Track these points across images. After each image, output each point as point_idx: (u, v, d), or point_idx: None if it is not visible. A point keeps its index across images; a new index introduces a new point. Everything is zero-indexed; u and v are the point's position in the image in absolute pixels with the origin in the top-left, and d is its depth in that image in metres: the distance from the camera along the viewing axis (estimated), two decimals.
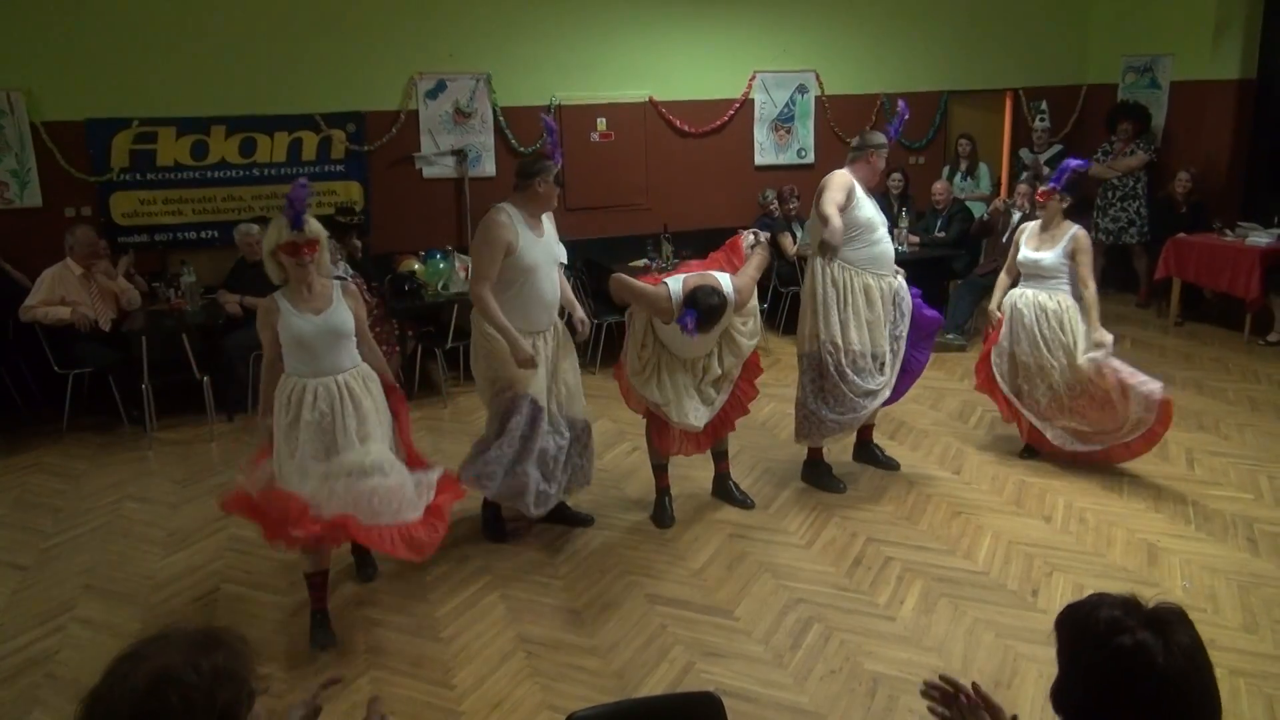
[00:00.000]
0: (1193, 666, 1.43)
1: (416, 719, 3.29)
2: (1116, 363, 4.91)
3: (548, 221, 4.37)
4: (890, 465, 5.27)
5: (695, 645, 3.68)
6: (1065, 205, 5.09)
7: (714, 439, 4.73)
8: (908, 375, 5.00)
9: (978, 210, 8.42)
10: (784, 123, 8.84)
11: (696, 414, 4.43)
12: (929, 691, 1.69)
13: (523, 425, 4.25)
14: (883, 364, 4.82)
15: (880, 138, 4.82)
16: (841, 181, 4.65)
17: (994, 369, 5.27)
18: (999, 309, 5.28)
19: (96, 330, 6.11)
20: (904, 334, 4.86)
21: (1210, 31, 8.54)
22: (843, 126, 8.97)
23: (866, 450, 5.32)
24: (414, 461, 3.85)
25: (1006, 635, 3.68)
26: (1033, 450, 5.31)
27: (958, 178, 8.79)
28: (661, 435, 4.57)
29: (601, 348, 7.36)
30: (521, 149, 7.92)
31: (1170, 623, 1.46)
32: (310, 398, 3.59)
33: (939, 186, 8.28)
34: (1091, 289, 4.99)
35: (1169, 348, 7.48)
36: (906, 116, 4.95)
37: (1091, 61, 9.74)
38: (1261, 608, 3.80)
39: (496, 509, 4.64)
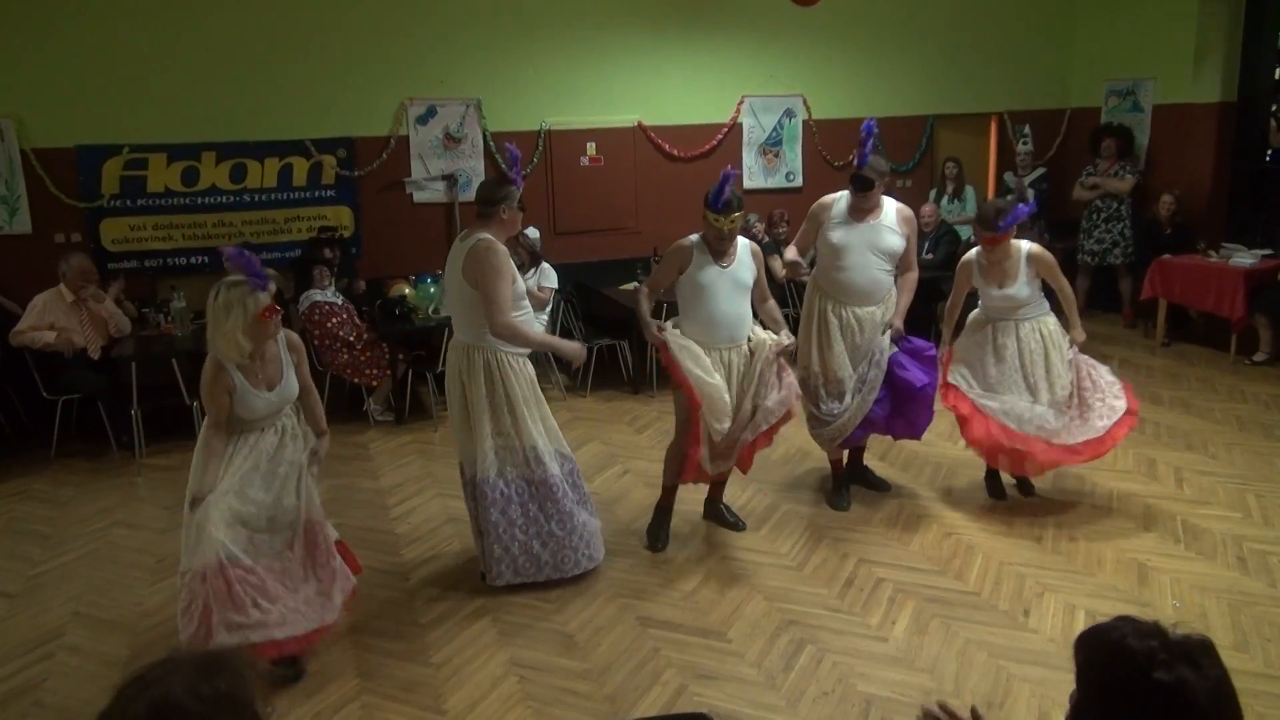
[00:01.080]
0: (1225, 700, 1.43)
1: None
2: (1090, 365, 4.90)
3: None
4: (881, 487, 5.28)
5: (688, 668, 3.66)
6: (1012, 236, 4.79)
7: (727, 472, 4.71)
8: (921, 406, 4.87)
9: (964, 234, 8.49)
10: (772, 146, 8.92)
11: (723, 418, 4.36)
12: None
13: (556, 484, 4.17)
14: (842, 394, 4.82)
15: (883, 164, 4.81)
16: (821, 205, 4.90)
17: (957, 379, 4.97)
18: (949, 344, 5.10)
19: (85, 356, 6.09)
20: (871, 380, 4.78)
21: (1191, 55, 8.68)
22: (830, 150, 9.05)
23: (858, 471, 5.34)
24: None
25: (999, 655, 3.68)
26: (1028, 486, 5.16)
27: (945, 200, 8.87)
28: (689, 453, 4.41)
29: (592, 373, 7.37)
30: (512, 174, 7.94)
31: (1201, 653, 1.45)
32: (246, 446, 3.52)
33: (927, 209, 8.34)
34: (1067, 287, 4.92)
35: (1156, 368, 7.53)
36: (870, 140, 4.73)
37: (1074, 85, 9.87)
38: (1251, 626, 3.82)
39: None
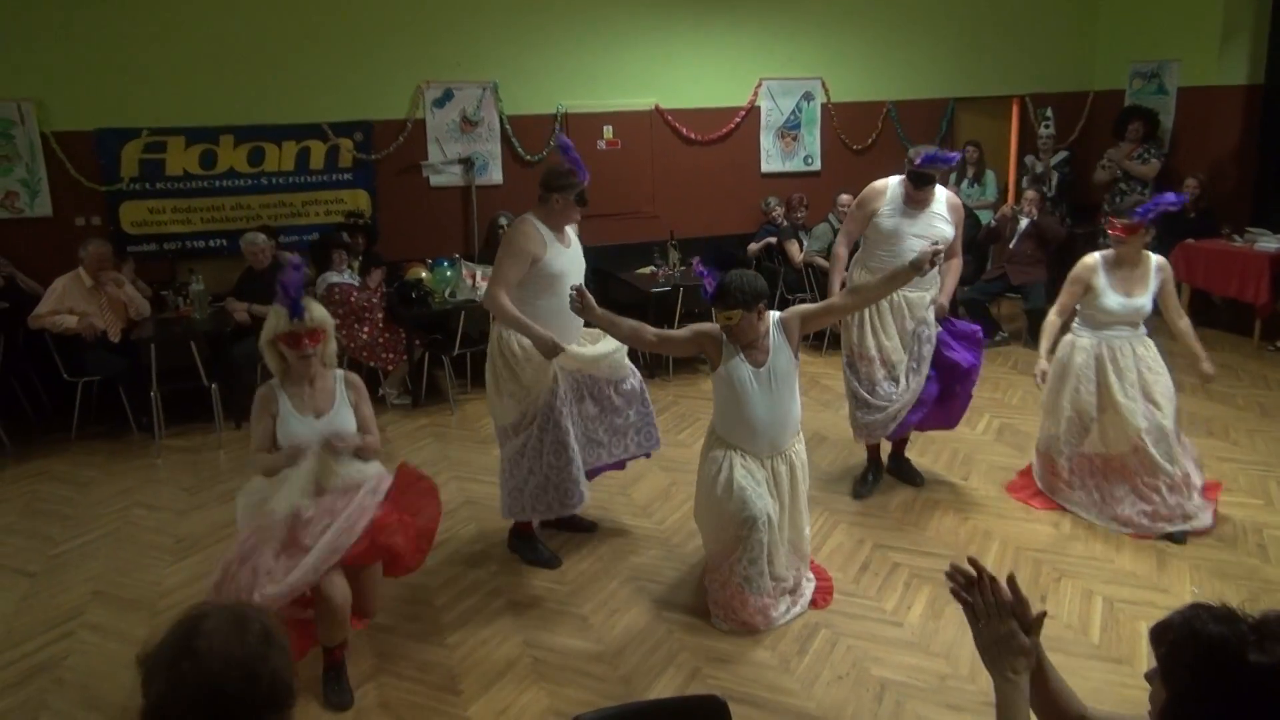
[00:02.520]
0: None
1: None
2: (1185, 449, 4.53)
3: (572, 233, 4.30)
4: (917, 480, 5.15)
5: (702, 651, 3.66)
6: (1149, 238, 4.48)
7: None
8: (961, 396, 4.88)
9: (984, 218, 8.41)
10: (790, 130, 8.85)
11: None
12: (953, 575, 1.69)
13: (554, 436, 4.16)
14: (897, 377, 4.76)
15: (929, 152, 4.57)
16: (873, 190, 4.79)
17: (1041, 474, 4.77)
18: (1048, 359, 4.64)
19: (105, 339, 6.14)
20: (924, 356, 4.73)
21: (1218, 37, 8.53)
22: (849, 134, 8.98)
23: (898, 463, 5.26)
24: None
25: None
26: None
27: (965, 184, 8.78)
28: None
29: None
30: (529, 157, 7.95)
31: None
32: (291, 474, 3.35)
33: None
34: (1185, 318, 4.58)
35: (1177, 354, 7.40)
36: (954, 161, 4.75)
37: (1098, 68, 9.73)
38: None
39: (529, 532, 4.52)
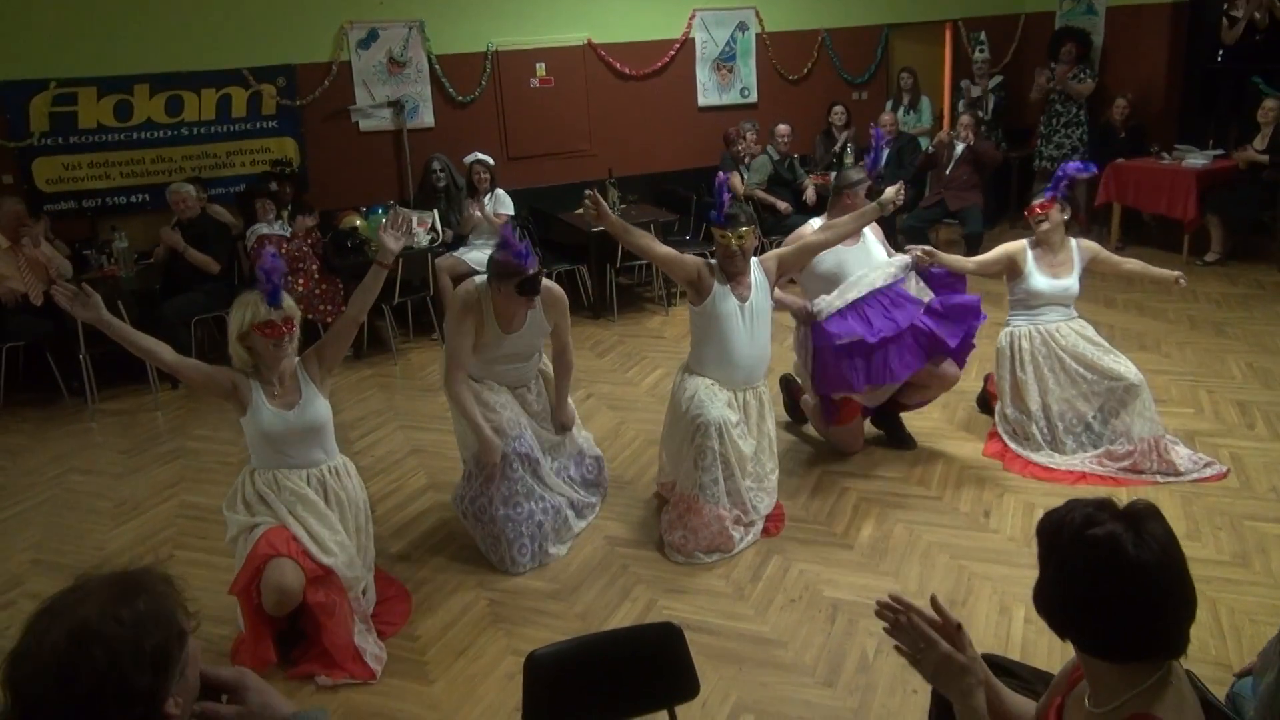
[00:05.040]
0: (1166, 556, 1.46)
1: (382, 671, 3.27)
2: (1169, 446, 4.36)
3: (532, 316, 3.84)
4: (909, 444, 4.75)
5: (657, 583, 3.70)
6: (1066, 216, 4.58)
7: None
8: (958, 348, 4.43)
9: (923, 144, 8.43)
10: (726, 62, 8.74)
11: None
12: (882, 612, 1.71)
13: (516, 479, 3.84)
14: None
15: (855, 175, 4.49)
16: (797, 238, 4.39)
17: (1005, 432, 4.64)
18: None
19: (27, 302, 5.90)
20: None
21: None
22: (784, 64, 8.90)
23: (889, 421, 4.83)
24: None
25: (961, 556, 3.75)
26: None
27: (901, 111, 8.77)
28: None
29: None
30: (460, 98, 7.76)
31: (1142, 515, 1.49)
32: (278, 489, 3.28)
33: (886, 119, 8.26)
34: (1128, 260, 4.76)
35: (1116, 276, 7.58)
36: (884, 146, 4.52)
37: None
38: (1204, 516, 3.92)
39: None
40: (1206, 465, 4.28)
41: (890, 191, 4.09)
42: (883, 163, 4.49)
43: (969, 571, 3.64)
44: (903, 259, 4.50)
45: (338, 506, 3.36)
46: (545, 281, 3.78)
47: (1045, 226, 4.51)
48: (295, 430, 3.29)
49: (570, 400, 4.18)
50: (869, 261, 4.45)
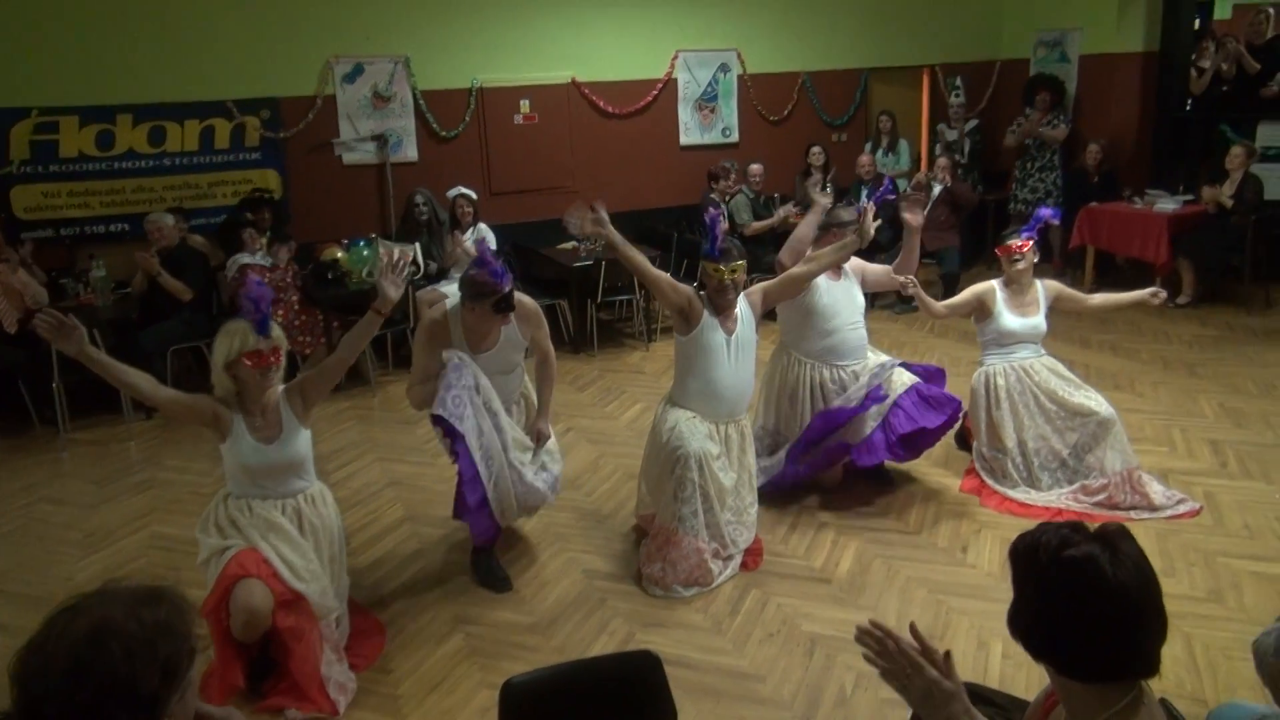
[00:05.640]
0: (1141, 575, 1.48)
1: (354, 705, 3.22)
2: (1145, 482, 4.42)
3: (507, 332, 3.82)
4: (886, 479, 4.74)
5: (635, 617, 3.67)
6: (1035, 258, 4.66)
7: None
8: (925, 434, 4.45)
9: (901, 185, 8.55)
10: (708, 102, 8.86)
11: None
12: (863, 638, 1.71)
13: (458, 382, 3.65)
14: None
15: (845, 215, 4.51)
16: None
17: (982, 469, 4.67)
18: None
19: (1, 330, 5.84)
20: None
21: (1115, 5, 8.80)
22: (765, 105, 9.03)
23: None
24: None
25: (938, 591, 3.75)
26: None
27: (879, 154, 8.91)
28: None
29: None
30: (444, 133, 7.81)
31: (1115, 536, 1.52)
32: (251, 515, 3.25)
33: (864, 159, 8.40)
34: (1093, 295, 4.91)
35: (1084, 313, 7.68)
36: (891, 195, 4.55)
37: (1005, 37, 9.96)
38: (1178, 552, 3.95)
39: (490, 555, 4.04)
40: (1180, 501, 4.33)
41: (867, 220, 4.14)
42: (881, 200, 4.58)
43: (947, 606, 3.64)
44: (886, 359, 4.53)
45: (312, 535, 3.33)
46: (518, 295, 3.78)
47: (1021, 265, 4.59)
48: (276, 465, 3.26)
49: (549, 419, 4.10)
50: (851, 299, 4.52)
